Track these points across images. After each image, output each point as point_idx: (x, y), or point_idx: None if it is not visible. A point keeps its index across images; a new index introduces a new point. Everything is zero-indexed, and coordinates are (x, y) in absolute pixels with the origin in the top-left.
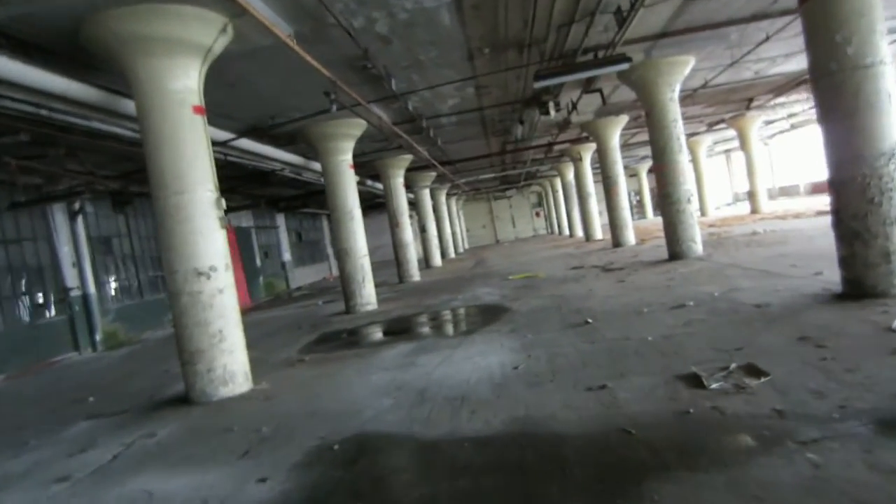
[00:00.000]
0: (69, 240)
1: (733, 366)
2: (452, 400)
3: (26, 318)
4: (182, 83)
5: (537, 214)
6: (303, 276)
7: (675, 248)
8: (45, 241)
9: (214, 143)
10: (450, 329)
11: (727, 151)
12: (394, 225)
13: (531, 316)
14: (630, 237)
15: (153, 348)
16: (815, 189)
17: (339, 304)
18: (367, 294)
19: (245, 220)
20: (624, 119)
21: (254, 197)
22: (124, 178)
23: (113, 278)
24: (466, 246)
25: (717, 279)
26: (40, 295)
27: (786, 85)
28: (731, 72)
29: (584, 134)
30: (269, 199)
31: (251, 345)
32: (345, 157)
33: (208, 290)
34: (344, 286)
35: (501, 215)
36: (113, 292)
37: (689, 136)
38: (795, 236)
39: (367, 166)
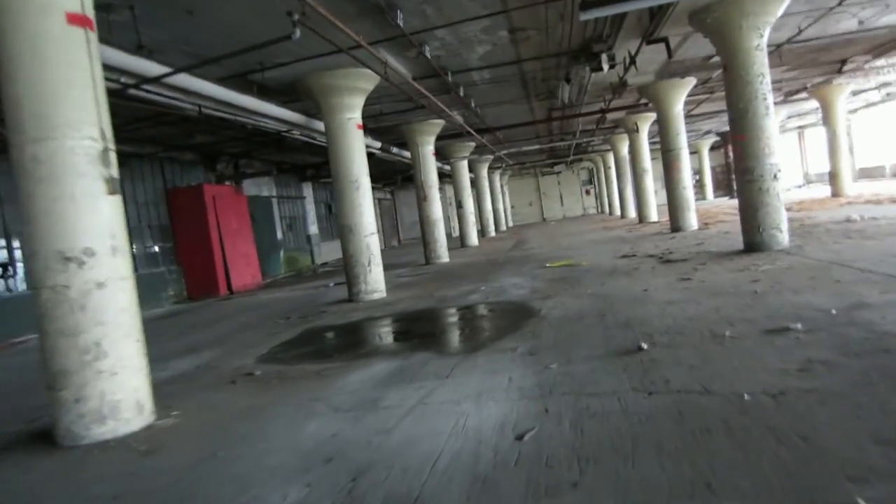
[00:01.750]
0: None
1: None
2: None
3: None
4: None
5: (587, 192)
6: (331, 251)
7: (754, 237)
8: None
9: (147, 81)
10: (450, 340)
11: (800, 128)
12: (420, 198)
13: (562, 327)
14: (692, 221)
15: None
16: None
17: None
18: (374, 280)
19: (266, 188)
20: (690, 82)
21: (273, 164)
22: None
23: None
24: (510, 224)
25: (824, 284)
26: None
27: (892, 41)
28: (830, 19)
29: (643, 100)
30: (294, 167)
31: (220, 341)
32: (351, 116)
33: (79, 285)
34: (347, 270)
35: (549, 192)
36: None
37: None
38: None
39: (392, 132)
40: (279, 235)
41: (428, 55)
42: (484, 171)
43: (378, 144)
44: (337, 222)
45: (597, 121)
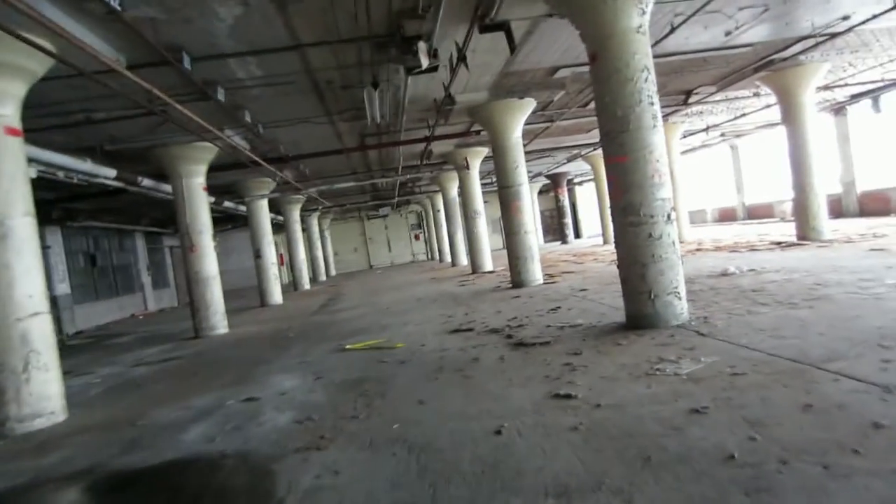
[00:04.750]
0: None
1: None
2: None
3: None
4: None
5: (416, 237)
6: (94, 315)
7: (643, 307)
8: None
9: None
10: None
11: None
12: (187, 248)
13: None
14: (536, 273)
15: None
16: (724, 216)
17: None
18: (37, 397)
19: None
20: (530, 104)
21: None
22: None
23: None
24: (334, 272)
25: (851, 426)
26: None
27: (742, 69)
28: (702, 20)
29: (474, 127)
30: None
31: None
32: None
33: None
34: None
35: (376, 238)
36: None
37: (588, 145)
38: (807, 279)
39: (147, 159)
40: None
41: (119, 7)
42: (296, 214)
43: (112, 173)
44: None
45: (421, 153)
